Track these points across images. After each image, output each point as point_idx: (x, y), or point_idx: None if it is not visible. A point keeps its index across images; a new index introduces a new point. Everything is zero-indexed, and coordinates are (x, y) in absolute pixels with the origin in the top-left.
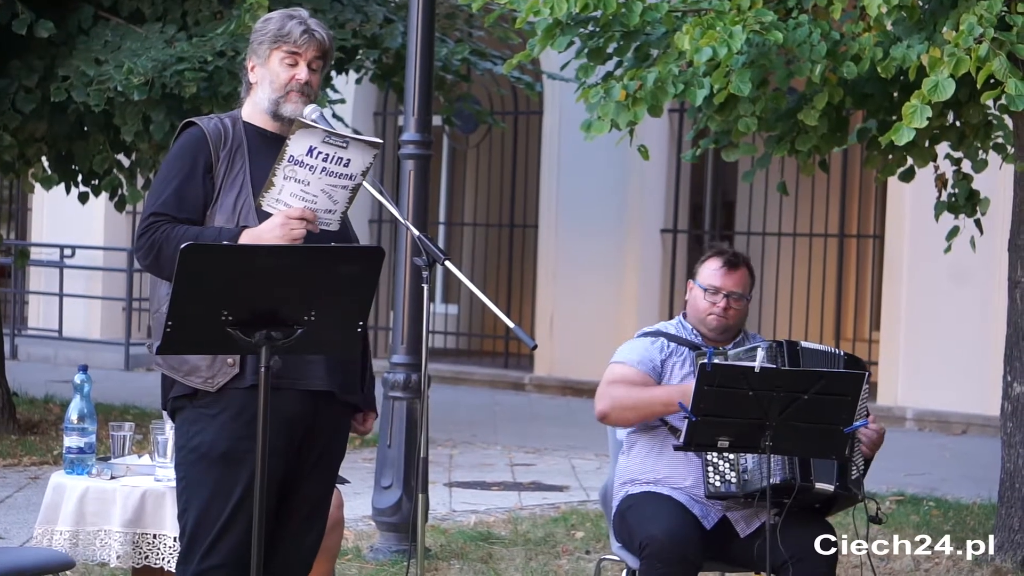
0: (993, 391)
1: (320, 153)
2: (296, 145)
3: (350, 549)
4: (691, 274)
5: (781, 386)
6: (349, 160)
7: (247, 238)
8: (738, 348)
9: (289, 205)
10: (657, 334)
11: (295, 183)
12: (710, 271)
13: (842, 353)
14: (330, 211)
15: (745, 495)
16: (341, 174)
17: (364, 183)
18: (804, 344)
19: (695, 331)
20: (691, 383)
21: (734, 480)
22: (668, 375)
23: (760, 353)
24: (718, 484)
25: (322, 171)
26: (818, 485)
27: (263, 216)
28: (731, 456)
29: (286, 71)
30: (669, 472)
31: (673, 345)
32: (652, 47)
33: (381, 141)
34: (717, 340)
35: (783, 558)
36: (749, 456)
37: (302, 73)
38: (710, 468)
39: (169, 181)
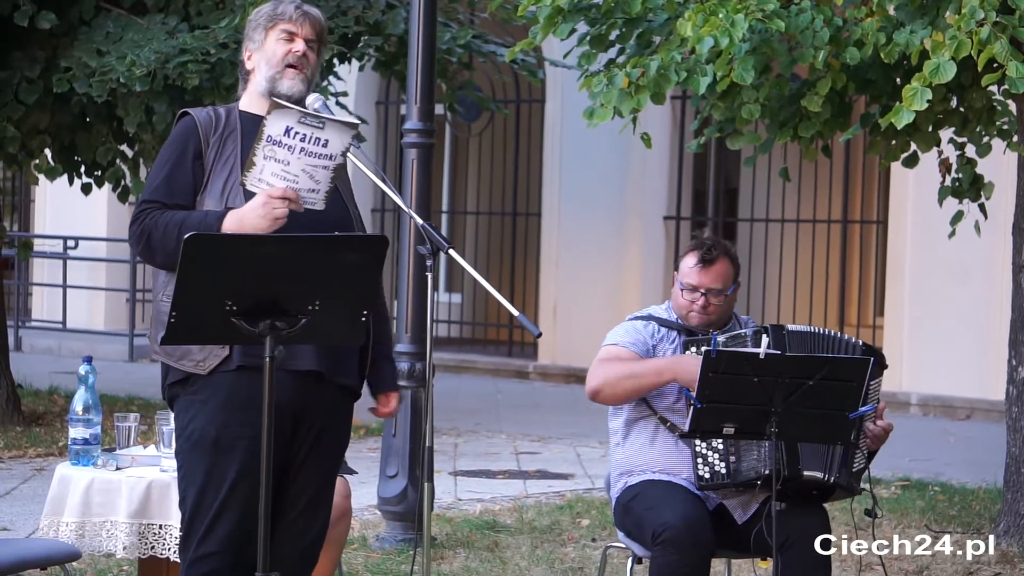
0: (997, 376)
1: (297, 133)
2: (273, 125)
3: (356, 538)
4: (676, 265)
5: (786, 372)
6: (327, 140)
7: (231, 219)
8: (726, 335)
9: (271, 184)
10: (648, 318)
11: (275, 163)
12: (687, 268)
13: (830, 332)
14: (313, 191)
15: (736, 484)
16: (320, 154)
17: (368, 172)
18: (790, 327)
19: (680, 320)
20: (682, 357)
21: (724, 470)
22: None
23: (764, 339)
24: (707, 476)
25: (300, 151)
26: (806, 473)
27: (250, 196)
28: (720, 447)
29: (282, 46)
30: (665, 463)
31: (664, 329)
32: (654, 34)
33: (358, 122)
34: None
35: (781, 541)
36: (740, 445)
37: (298, 46)
38: (699, 460)
39: (160, 169)
